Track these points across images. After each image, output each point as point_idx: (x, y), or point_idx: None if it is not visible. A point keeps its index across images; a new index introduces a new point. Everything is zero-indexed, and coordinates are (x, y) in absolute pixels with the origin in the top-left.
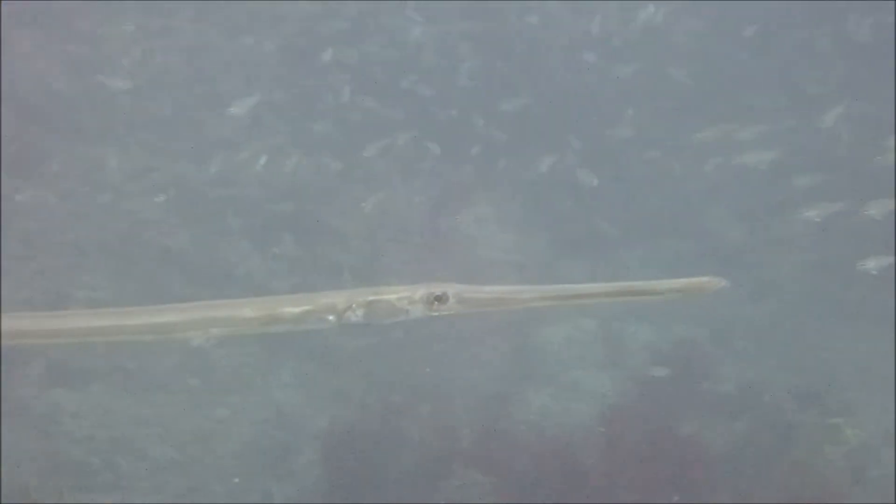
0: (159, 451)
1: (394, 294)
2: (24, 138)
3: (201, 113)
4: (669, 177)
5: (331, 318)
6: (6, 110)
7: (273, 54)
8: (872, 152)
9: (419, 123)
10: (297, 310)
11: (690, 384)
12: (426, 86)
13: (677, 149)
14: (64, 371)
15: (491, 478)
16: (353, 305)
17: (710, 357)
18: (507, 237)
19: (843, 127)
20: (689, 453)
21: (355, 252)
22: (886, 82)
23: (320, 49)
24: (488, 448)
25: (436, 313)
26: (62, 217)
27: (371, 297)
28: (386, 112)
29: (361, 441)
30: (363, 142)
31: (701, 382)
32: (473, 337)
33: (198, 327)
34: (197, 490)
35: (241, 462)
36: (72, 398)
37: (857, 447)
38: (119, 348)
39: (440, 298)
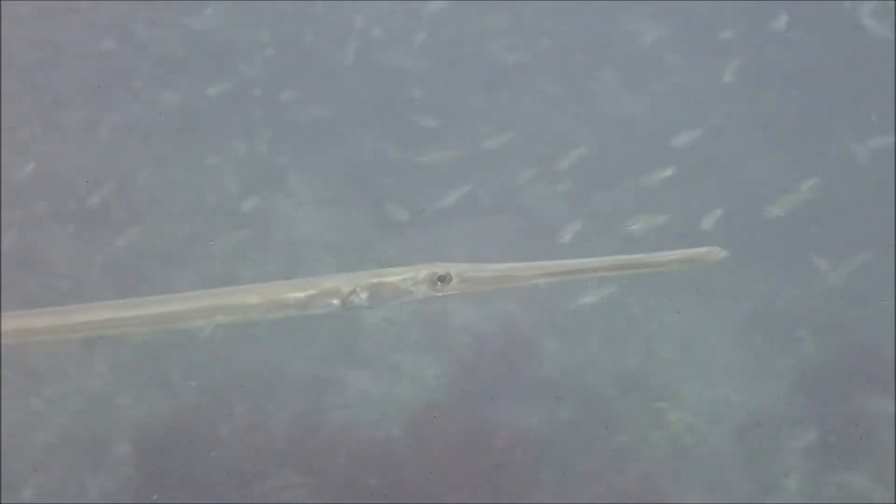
0: None
1: (397, 276)
2: None
3: None
4: (486, 154)
5: (335, 301)
6: None
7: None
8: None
9: (229, 108)
10: (302, 294)
11: (513, 369)
12: (233, 69)
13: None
14: None
15: (307, 478)
16: (357, 289)
17: (533, 340)
18: (323, 218)
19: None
20: (512, 443)
21: (166, 238)
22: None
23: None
24: (304, 445)
25: (439, 293)
26: None
27: (375, 280)
28: (190, 100)
29: (174, 437)
30: (169, 128)
31: (523, 367)
32: (292, 321)
33: (204, 315)
34: (11, 485)
35: (55, 455)
36: None
37: (681, 431)
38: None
39: (443, 279)
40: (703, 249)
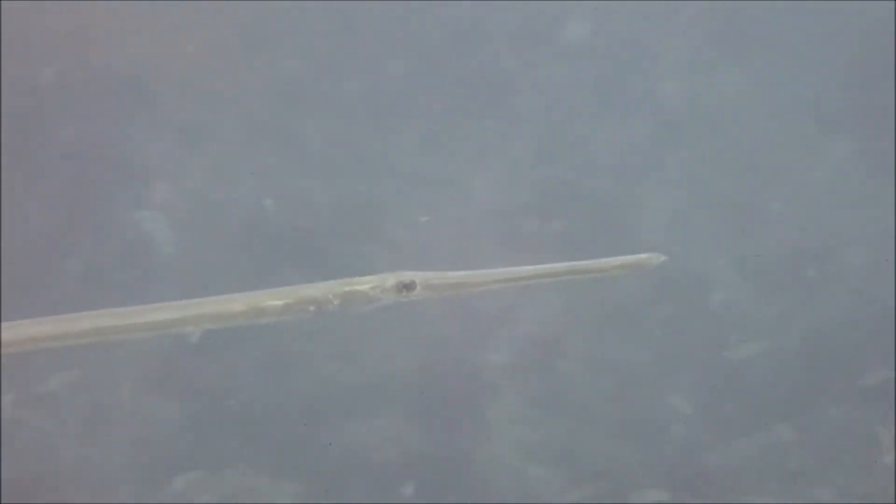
0: None
1: (367, 284)
2: None
3: None
4: None
5: (311, 308)
6: None
7: None
8: None
9: None
10: (280, 302)
11: None
12: None
13: None
14: None
15: None
16: (331, 296)
17: None
18: None
19: None
20: None
21: None
22: None
23: None
24: None
25: (405, 299)
26: None
27: (347, 288)
28: None
29: None
30: None
31: None
32: None
33: (194, 323)
34: None
35: None
36: None
37: None
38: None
39: (408, 286)
40: (644, 255)
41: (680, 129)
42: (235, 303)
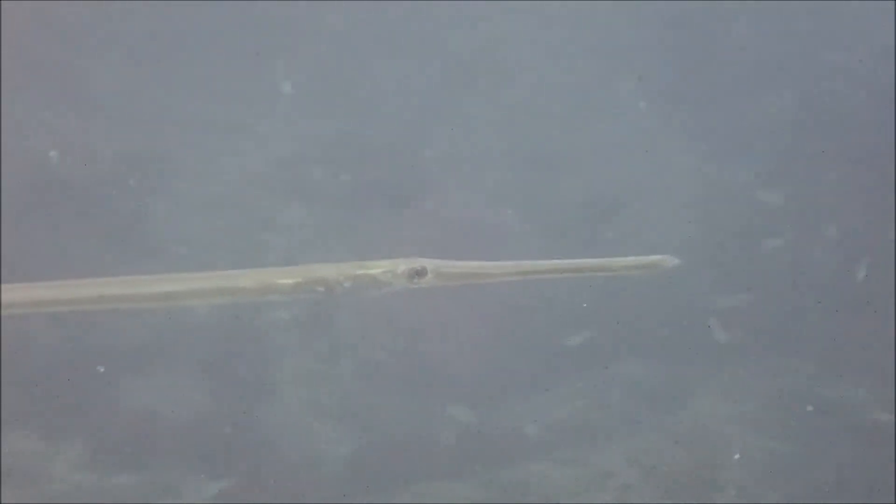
0: None
1: (379, 269)
2: None
3: None
4: None
5: (321, 289)
6: None
7: None
8: None
9: None
10: (290, 281)
11: None
12: None
13: None
14: None
15: None
16: (342, 278)
17: None
18: None
19: None
20: None
21: None
22: None
23: None
24: None
25: (415, 286)
26: None
27: (359, 271)
28: None
29: None
30: None
31: None
32: None
33: (200, 297)
34: None
35: None
36: None
37: None
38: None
39: (419, 273)
40: (657, 257)
41: (469, 79)
42: (245, 278)
